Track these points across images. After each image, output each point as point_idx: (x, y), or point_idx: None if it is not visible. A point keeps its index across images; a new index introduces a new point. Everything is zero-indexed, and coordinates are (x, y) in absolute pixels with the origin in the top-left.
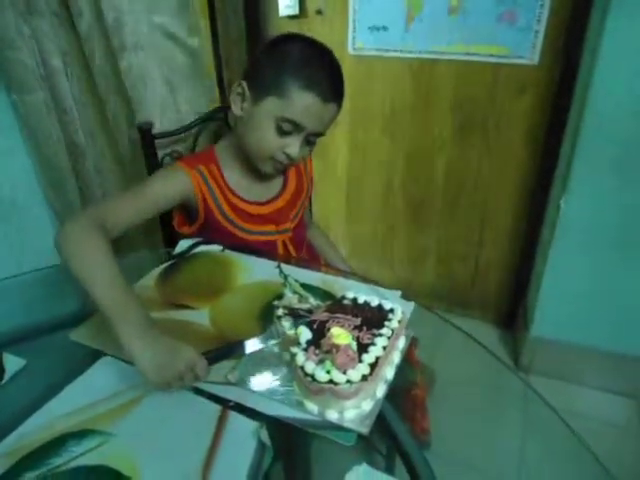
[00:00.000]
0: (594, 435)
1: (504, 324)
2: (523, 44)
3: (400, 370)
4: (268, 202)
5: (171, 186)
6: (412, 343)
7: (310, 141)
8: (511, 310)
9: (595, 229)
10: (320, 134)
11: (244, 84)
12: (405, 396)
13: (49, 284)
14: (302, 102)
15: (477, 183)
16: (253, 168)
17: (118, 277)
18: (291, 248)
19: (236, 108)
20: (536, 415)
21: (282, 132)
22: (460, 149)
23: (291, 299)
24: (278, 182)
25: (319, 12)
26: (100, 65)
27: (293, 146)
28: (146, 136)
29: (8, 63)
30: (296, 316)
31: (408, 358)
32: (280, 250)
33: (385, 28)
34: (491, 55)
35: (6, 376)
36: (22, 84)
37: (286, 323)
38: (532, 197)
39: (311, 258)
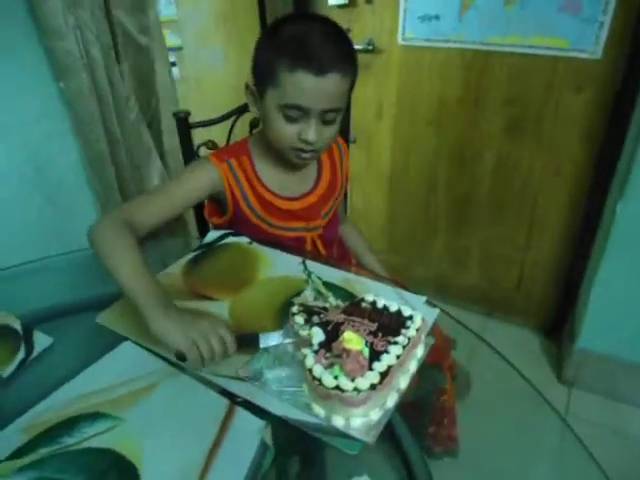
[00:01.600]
0: (638, 457)
1: (549, 333)
2: (585, 37)
3: (429, 375)
4: (300, 198)
5: (200, 182)
6: (448, 345)
7: (327, 120)
8: (557, 319)
9: None
10: (334, 110)
11: (250, 83)
12: (434, 402)
13: (83, 266)
14: (293, 82)
15: (527, 183)
16: (284, 161)
17: (143, 270)
18: (320, 246)
19: (252, 108)
20: (570, 444)
21: (291, 119)
22: (510, 147)
23: (308, 296)
24: (312, 177)
25: (369, 1)
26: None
27: (307, 131)
28: (182, 125)
29: (56, 51)
30: (310, 313)
31: (439, 363)
32: (309, 248)
33: (437, 17)
34: (549, 48)
35: (35, 352)
36: (67, 71)
37: (299, 320)
38: (586, 201)
39: (341, 257)
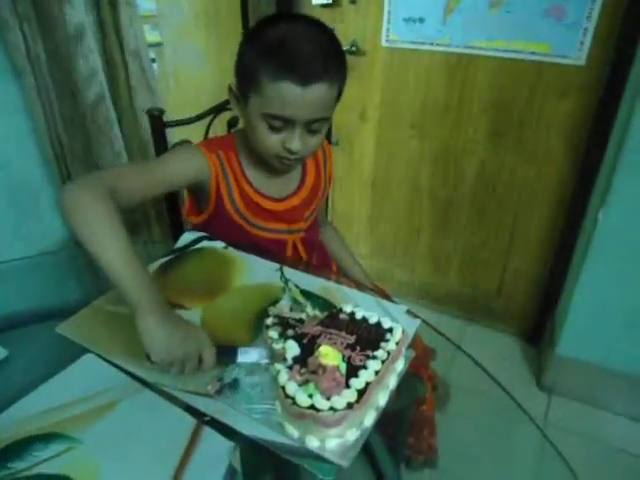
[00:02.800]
0: (617, 464)
1: (529, 339)
2: (569, 42)
3: (409, 385)
4: (283, 199)
5: (188, 165)
6: (428, 356)
7: (313, 130)
8: (537, 325)
9: (634, 245)
10: (319, 120)
11: (233, 85)
12: (413, 412)
13: (45, 272)
14: (277, 93)
15: (509, 189)
16: (268, 164)
17: (130, 251)
18: (301, 250)
19: (235, 110)
20: (548, 453)
21: (275, 128)
22: (493, 152)
23: (284, 306)
24: (296, 178)
25: (353, 1)
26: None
27: (291, 140)
28: (156, 123)
29: (6, 45)
30: (285, 326)
31: (419, 372)
32: (289, 251)
33: (422, 20)
34: (533, 53)
35: None
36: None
37: (273, 333)
38: (568, 207)
39: (322, 262)
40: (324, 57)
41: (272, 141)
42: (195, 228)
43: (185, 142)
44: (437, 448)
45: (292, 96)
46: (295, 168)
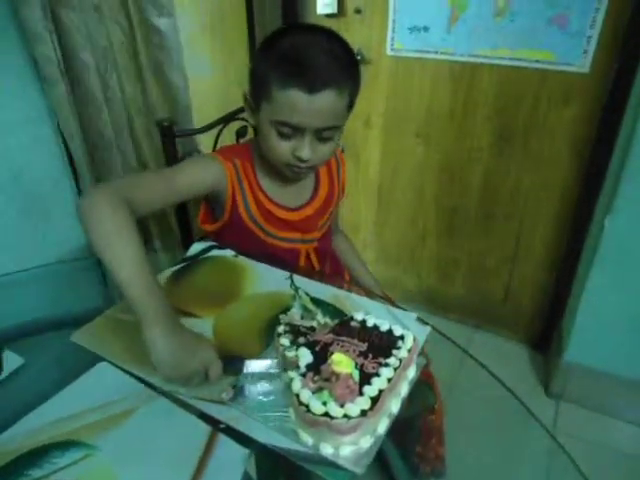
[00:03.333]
0: (627, 471)
1: (536, 346)
2: (573, 50)
3: (418, 393)
4: (297, 209)
5: (206, 173)
6: (428, 363)
7: (324, 137)
8: (544, 332)
9: None
10: (329, 128)
11: (247, 93)
12: (422, 421)
13: (59, 281)
14: (285, 100)
15: (515, 196)
16: (281, 173)
17: (145, 262)
18: (314, 259)
19: (250, 119)
20: (558, 460)
21: (285, 136)
22: (498, 159)
23: (294, 314)
24: (309, 188)
25: (358, 11)
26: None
27: (302, 148)
28: (167, 134)
29: (36, 57)
30: (297, 334)
31: (429, 381)
32: (302, 260)
33: (426, 29)
34: (537, 61)
35: (3, 374)
36: (47, 77)
37: (285, 341)
38: (574, 214)
39: (335, 271)
40: (333, 65)
41: (282, 149)
42: (209, 236)
43: (202, 152)
44: (445, 458)
45: (300, 103)
46: (308, 176)
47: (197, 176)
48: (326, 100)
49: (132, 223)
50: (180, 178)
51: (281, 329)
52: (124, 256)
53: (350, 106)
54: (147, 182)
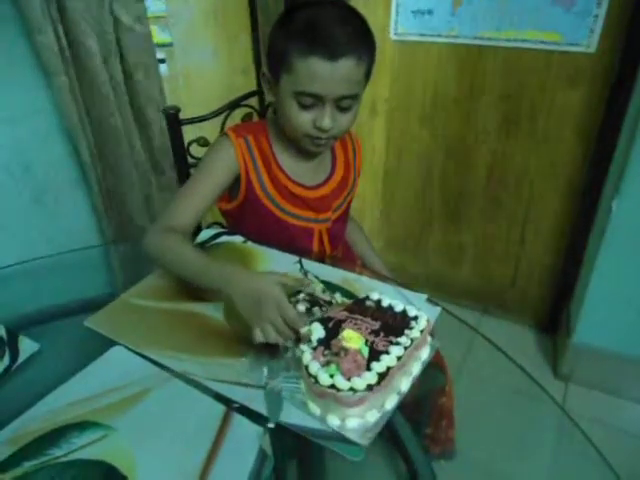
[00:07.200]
0: (636, 452)
1: (544, 328)
2: (579, 30)
3: (429, 375)
4: (313, 188)
5: (227, 163)
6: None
7: (343, 107)
8: (552, 314)
9: None
10: (349, 97)
11: (265, 69)
12: (432, 402)
13: (72, 268)
14: (306, 69)
15: (522, 179)
16: (299, 149)
17: (202, 256)
18: (326, 241)
19: (268, 95)
20: (570, 439)
21: (305, 107)
22: (505, 143)
23: (316, 286)
24: (326, 168)
25: None
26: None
27: (322, 118)
28: (172, 121)
29: (37, 46)
30: (313, 303)
31: (441, 363)
32: (316, 242)
33: (430, 12)
34: (542, 42)
35: (20, 359)
36: (49, 67)
37: (301, 307)
38: (581, 197)
39: (346, 257)
40: (351, 34)
41: (303, 119)
42: (225, 215)
43: (221, 135)
44: (454, 440)
45: (321, 71)
46: (326, 151)
47: (222, 170)
48: (346, 67)
49: (179, 241)
50: (207, 186)
51: (300, 296)
52: (185, 260)
53: (367, 75)
54: (181, 205)
